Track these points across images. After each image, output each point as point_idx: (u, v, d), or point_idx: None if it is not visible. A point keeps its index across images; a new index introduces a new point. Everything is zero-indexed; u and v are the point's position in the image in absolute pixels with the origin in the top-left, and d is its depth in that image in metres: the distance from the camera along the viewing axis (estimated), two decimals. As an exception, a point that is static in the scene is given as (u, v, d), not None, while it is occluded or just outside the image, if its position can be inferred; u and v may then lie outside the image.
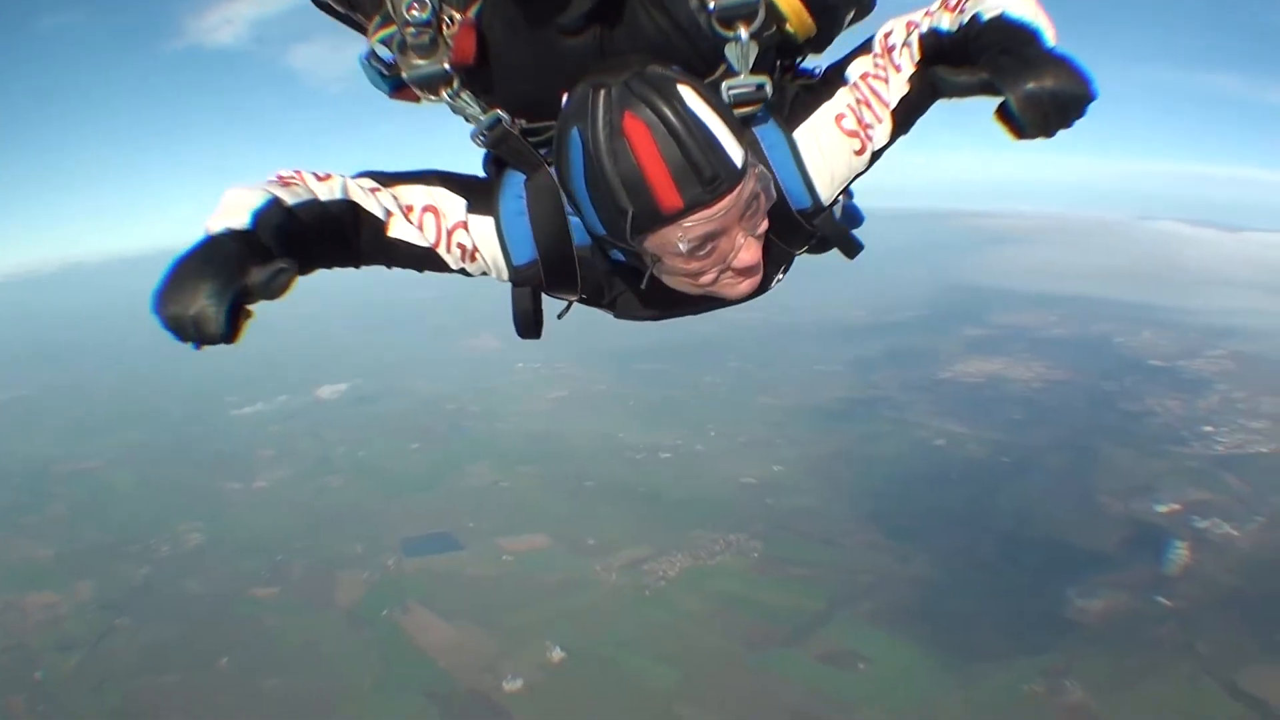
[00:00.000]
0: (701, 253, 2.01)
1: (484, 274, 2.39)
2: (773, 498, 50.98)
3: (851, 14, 2.30)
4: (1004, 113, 1.68)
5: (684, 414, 65.83)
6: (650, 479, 54.74)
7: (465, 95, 2.22)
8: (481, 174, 2.45)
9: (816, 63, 2.39)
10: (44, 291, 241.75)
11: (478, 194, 2.32)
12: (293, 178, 2.04)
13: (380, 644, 39.05)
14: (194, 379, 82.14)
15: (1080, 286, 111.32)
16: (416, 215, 2.26)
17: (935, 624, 37.68)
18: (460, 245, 2.30)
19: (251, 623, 41.00)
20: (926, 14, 2.14)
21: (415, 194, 2.28)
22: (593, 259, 2.30)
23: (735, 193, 1.96)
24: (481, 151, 2.39)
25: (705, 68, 2.13)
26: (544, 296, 2.46)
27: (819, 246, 2.46)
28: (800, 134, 2.23)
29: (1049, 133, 1.67)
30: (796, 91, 2.31)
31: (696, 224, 1.95)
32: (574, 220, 2.21)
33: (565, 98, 2.01)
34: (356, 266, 2.30)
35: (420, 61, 2.16)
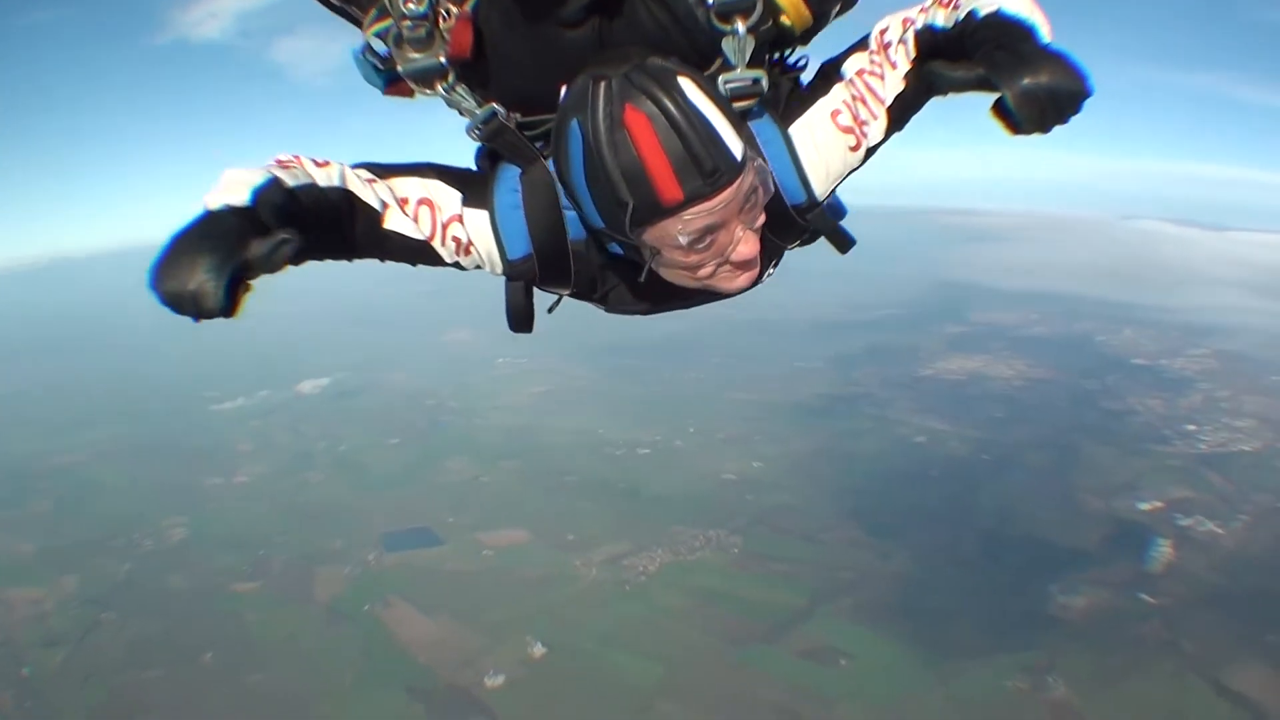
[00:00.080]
0: (700, 246, 2.02)
1: (478, 268, 2.39)
2: (753, 494, 51.02)
3: (838, 6, 2.30)
4: (1000, 109, 1.70)
5: (664, 410, 65.72)
6: (630, 474, 54.74)
7: (461, 89, 2.21)
8: (475, 167, 2.44)
9: (803, 53, 2.40)
10: (28, 286, 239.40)
11: (473, 187, 2.31)
12: (291, 161, 2.02)
13: (361, 639, 38.87)
14: (176, 374, 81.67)
15: (1062, 284, 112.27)
16: (412, 208, 2.25)
17: (917, 620, 37.76)
18: (455, 239, 2.29)
19: (233, 618, 40.77)
20: (922, 10, 2.15)
21: (411, 186, 2.27)
22: (587, 253, 2.30)
23: (735, 185, 1.96)
24: (474, 145, 2.37)
25: (702, 61, 2.13)
26: (536, 290, 2.45)
27: (808, 240, 2.47)
28: (796, 129, 2.24)
29: (1045, 129, 1.69)
30: (790, 87, 2.33)
31: (696, 216, 1.95)
32: (569, 214, 2.22)
33: (564, 90, 2.02)
34: (350, 259, 2.28)
35: (416, 55, 2.15)
